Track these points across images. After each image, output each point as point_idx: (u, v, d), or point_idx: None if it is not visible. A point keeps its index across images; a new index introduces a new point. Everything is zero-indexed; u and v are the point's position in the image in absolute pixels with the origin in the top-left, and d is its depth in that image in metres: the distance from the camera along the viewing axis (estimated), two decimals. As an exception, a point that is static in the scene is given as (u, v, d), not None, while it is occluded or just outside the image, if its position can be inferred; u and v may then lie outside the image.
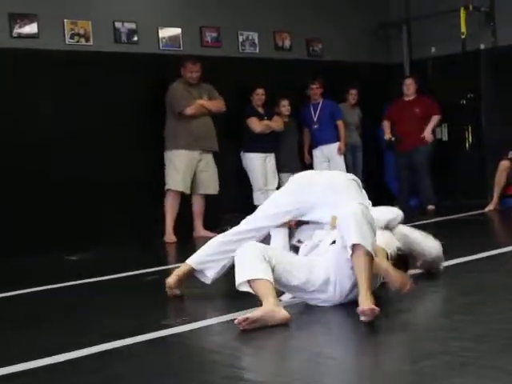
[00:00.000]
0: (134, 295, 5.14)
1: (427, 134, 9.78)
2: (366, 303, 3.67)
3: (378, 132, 10.19)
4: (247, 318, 3.70)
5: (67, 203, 7.74)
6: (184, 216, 8.12)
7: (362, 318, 3.68)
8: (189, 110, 7.99)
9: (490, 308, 3.94)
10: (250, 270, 3.98)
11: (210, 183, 8.25)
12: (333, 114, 9.60)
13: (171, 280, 4.73)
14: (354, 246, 3.81)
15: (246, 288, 4.01)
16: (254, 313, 3.77)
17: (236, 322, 3.71)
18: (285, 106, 9.17)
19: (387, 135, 9.96)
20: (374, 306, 3.65)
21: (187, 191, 8.12)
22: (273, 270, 4.01)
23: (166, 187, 8.07)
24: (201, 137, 8.08)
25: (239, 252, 4.14)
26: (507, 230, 8.07)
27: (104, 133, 8.05)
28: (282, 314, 3.81)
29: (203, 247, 4.81)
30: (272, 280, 3.96)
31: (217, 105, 8.20)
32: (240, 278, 4.01)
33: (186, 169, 8.06)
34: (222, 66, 8.93)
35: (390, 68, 10.85)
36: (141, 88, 8.18)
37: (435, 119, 9.83)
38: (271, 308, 3.80)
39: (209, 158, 8.24)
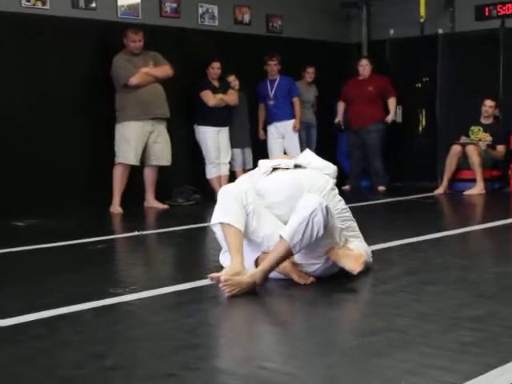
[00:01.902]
0: (82, 263, 5.13)
1: (391, 118, 9.85)
2: (255, 276, 3.95)
3: (333, 110, 10.23)
4: (219, 278, 3.91)
5: (15, 171, 7.61)
6: (134, 187, 8.06)
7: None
8: (133, 80, 7.85)
9: (434, 287, 4.02)
10: (226, 213, 4.13)
11: (163, 154, 8.18)
12: (289, 90, 9.60)
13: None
14: (283, 238, 3.99)
15: (216, 229, 4.23)
16: (224, 273, 3.98)
17: (209, 278, 4.01)
18: (232, 82, 9.10)
19: (337, 118, 10.03)
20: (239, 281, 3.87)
21: (138, 163, 8.04)
22: (246, 216, 4.18)
23: (117, 160, 7.97)
24: (151, 105, 7.97)
25: (222, 192, 4.26)
26: (454, 214, 8.20)
27: (56, 100, 7.92)
28: (248, 279, 3.93)
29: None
30: (243, 229, 4.12)
31: (162, 70, 8.06)
32: (215, 219, 4.18)
33: (138, 141, 7.96)
34: (180, 37, 8.87)
35: (348, 48, 10.88)
36: (96, 56, 8.06)
37: (393, 102, 9.89)
38: (239, 269, 3.98)
39: (161, 129, 8.14)
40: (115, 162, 7.95)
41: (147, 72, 7.95)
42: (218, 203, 4.24)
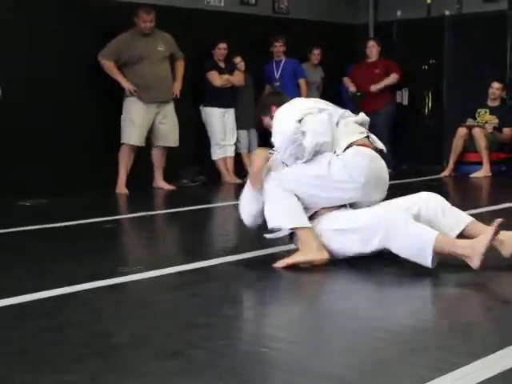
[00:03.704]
0: (91, 242, 5.12)
1: (376, 86, 9.68)
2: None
3: (339, 88, 10.14)
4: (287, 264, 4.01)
5: (22, 150, 7.60)
6: (144, 167, 8.06)
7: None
8: (102, 62, 7.80)
9: (437, 268, 4.00)
10: (289, 218, 4.11)
11: (169, 136, 8.13)
12: (295, 72, 9.56)
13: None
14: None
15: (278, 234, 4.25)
16: (294, 258, 4.05)
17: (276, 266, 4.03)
18: (238, 63, 9.07)
19: (352, 88, 9.87)
20: None
21: (143, 144, 8.00)
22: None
23: (122, 141, 7.93)
24: (153, 89, 7.87)
25: (271, 196, 4.16)
26: (460, 196, 8.17)
27: (59, 81, 7.86)
28: (320, 257, 4.04)
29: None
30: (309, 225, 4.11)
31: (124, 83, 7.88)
32: (284, 225, 4.14)
33: (143, 121, 7.90)
34: (186, 17, 8.82)
35: (354, 29, 10.82)
36: (101, 36, 7.99)
37: (393, 77, 9.77)
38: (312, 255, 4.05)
39: (168, 110, 8.08)
40: (121, 142, 7.93)
41: (121, 82, 7.81)
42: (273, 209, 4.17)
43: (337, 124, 4.22)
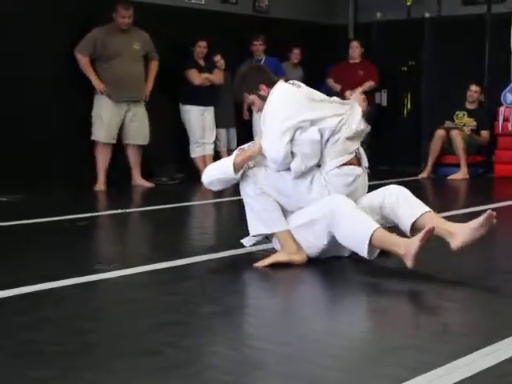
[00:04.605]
0: (68, 239, 5.09)
1: (354, 94, 9.63)
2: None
3: (320, 89, 10.11)
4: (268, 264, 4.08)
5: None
6: (122, 165, 8.02)
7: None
8: (77, 56, 7.75)
9: (416, 269, 4.01)
10: (269, 223, 4.19)
11: (139, 133, 8.09)
12: (274, 71, 9.45)
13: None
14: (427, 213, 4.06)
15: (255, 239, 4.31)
16: (275, 257, 4.11)
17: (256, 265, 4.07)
18: (218, 61, 9.05)
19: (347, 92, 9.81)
20: None
21: (113, 141, 7.95)
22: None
23: (92, 137, 7.90)
24: (125, 87, 7.82)
25: (254, 205, 4.22)
26: (437, 198, 8.20)
27: (41, 74, 7.81)
28: (299, 257, 4.11)
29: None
30: (288, 227, 4.17)
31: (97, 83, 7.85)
32: (265, 231, 4.23)
33: (112, 119, 7.86)
34: (167, 15, 8.79)
35: (334, 30, 10.84)
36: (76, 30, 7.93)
37: (368, 84, 9.77)
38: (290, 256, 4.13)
39: (138, 109, 8.06)
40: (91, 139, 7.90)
41: (93, 80, 7.77)
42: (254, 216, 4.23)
43: (327, 141, 4.18)
